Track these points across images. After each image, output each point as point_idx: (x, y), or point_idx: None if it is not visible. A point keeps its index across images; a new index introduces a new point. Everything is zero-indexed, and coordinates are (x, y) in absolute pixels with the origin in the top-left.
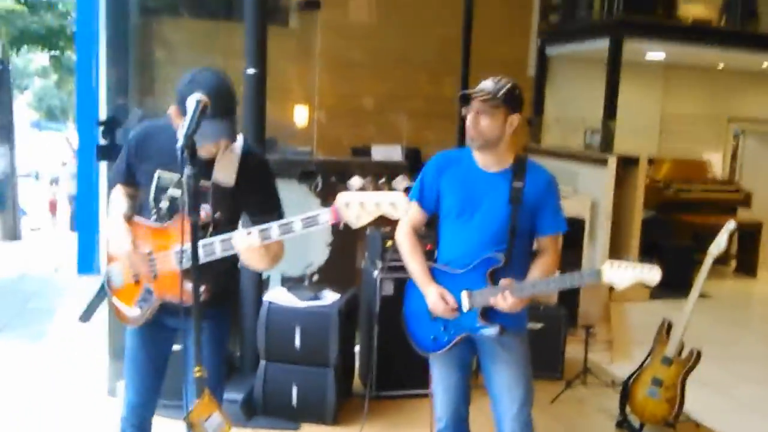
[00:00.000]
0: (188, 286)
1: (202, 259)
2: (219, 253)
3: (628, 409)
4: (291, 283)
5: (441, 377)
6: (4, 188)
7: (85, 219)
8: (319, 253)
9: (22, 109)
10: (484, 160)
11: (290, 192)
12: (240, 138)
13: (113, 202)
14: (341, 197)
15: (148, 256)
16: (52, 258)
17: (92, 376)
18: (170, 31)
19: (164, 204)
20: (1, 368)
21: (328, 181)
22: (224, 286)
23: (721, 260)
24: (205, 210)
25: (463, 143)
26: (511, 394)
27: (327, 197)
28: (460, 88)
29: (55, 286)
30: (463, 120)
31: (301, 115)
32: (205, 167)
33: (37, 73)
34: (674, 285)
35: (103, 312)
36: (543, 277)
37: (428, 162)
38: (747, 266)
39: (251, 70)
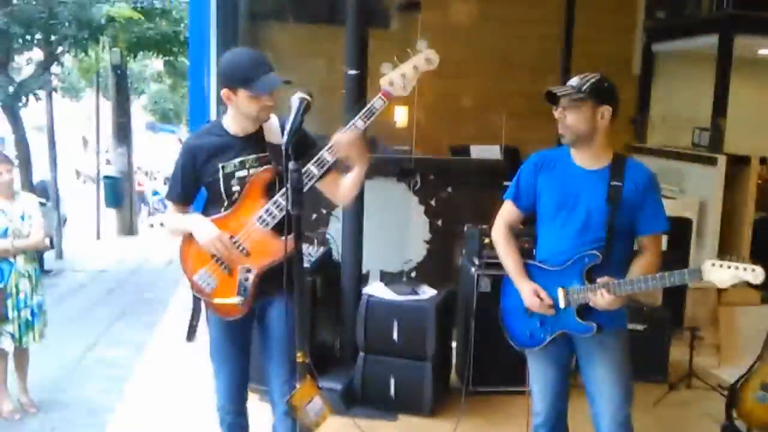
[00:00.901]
0: (281, 238)
1: (306, 185)
2: (317, 172)
3: (734, 414)
4: (389, 278)
5: (538, 373)
6: (122, 186)
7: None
8: (416, 250)
9: (138, 112)
10: (581, 158)
11: (389, 190)
12: (273, 116)
13: (174, 216)
14: (383, 80)
15: (234, 240)
16: (166, 252)
17: (201, 363)
18: (276, 35)
19: (236, 188)
20: (124, 351)
21: (426, 179)
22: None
23: None
24: (270, 167)
25: (561, 144)
26: (608, 393)
27: (425, 196)
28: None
29: (168, 278)
30: None
31: (401, 115)
32: (259, 139)
33: (152, 78)
34: None
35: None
36: (638, 275)
37: (525, 161)
38: None
39: (352, 71)
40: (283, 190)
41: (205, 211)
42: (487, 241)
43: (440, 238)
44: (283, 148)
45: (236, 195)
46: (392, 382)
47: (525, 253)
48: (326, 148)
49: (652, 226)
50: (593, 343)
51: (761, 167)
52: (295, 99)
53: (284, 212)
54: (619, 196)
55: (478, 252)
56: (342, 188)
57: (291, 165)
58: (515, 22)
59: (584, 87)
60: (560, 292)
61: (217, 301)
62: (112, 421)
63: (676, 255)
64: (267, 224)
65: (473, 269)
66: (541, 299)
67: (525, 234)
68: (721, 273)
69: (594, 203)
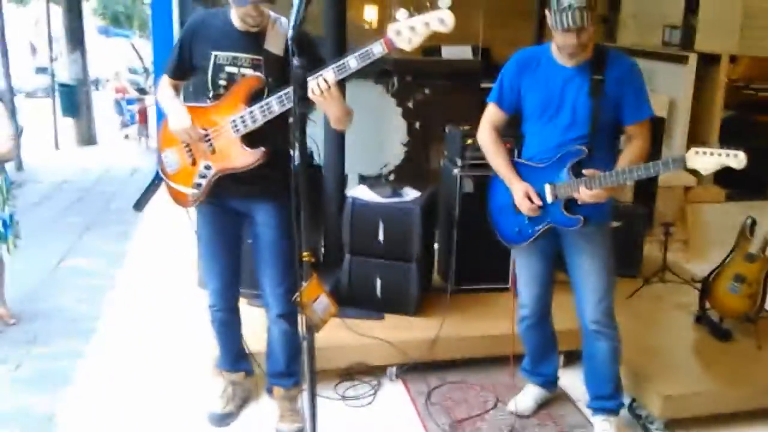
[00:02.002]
0: (248, 150)
1: (261, 119)
2: (277, 109)
3: (707, 304)
4: (371, 181)
5: (525, 267)
6: (77, 94)
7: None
8: (394, 154)
9: (89, 16)
10: (563, 56)
11: (366, 92)
12: (284, 18)
13: (162, 89)
14: (391, 27)
15: (204, 132)
16: (129, 161)
17: (180, 270)
18: None
19: (222, 82)
20: (98, 261)
21: (403, 81)
22: (281, 156)
23: None
24: (259, 76)
25: (540, 42)
26: (592, 283)
27: (402, 98)
28: None
29: (133, 188)
30: (541, 20)
31: (373, 17)
32: (258, 42)
33: None
34: (751, 187)
35: (190, 211)
36: (633, 164)
37: (507, 63)
38: None
39: None
40: (263, 102)
41: (192, 94)
42: (469, 142)
43: (418, 140)
44: (289, 41)
45: (221, 89)
46: (378, 283)
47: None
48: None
49: (636, 114)
50: (579, 235)
51: (730, 66)
52: None
53: (256, 124)
54: (601, 89)
55: (461, 153)
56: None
57: (295, 61)
58: None
59: (593, 2)
60: (547, 188)
61: (172, 184)
62: (97, 330)
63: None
64: (238, 130)
65: (456, 170)
66: (532, 201)
67: (506, 134)
68: (704, 160)
69: (579, 99)
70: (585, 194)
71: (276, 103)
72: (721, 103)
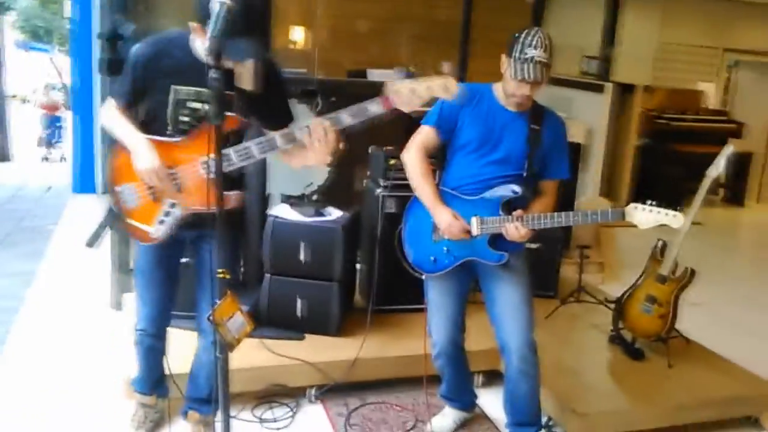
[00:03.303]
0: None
1: (238, 164)
2: (257, 155)
3: (621, 324)
4: (293, 201)
5: (436, 304)
6: None
7: (82, 138)
8: (318, 173)
9: (6, 30)
10: (506, 99)
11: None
12: None
13: (118, 120)
14: (391, 86)
15: (171, 171)
16: (43, 179)
17: (95, 290)
18: None
19: (184, 118)
20: (8, 281)
21: (327, 101)
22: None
23: (711, 190)
24: (235, 117)
25: (465, 68)
26: (515, 316)
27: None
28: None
29: (47, 205)
30: (465, 43)
31: (299, 37)
32: (227, 76)
33: None
34: None
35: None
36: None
37: None
38: (736, 195)
39: None
40: (239, 146)
41: (146, 123)
42: (392, 162)
43: (342, 161)
44: (206, 52)
45: (184, 125)
46: (299, 302)
47: None
48: (301, 126)
49: (557, 171)
50: (498, 266)
51: (644, 96)
52: (215, 2)
53: (231, 168)
54: (539, 138)
55: (384, 173)
56: (295, 161)
57: (212, 73)
58: None
59: (551, 58)
60: (474, 220)
61: (131, 221)
62: (2, 352)
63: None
64: (210, 172)
65: (378, 190)
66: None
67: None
68: (643, 215)
69: (517, 143)
70: (515, 233)
71: (256, 149)
72: (636, 130)
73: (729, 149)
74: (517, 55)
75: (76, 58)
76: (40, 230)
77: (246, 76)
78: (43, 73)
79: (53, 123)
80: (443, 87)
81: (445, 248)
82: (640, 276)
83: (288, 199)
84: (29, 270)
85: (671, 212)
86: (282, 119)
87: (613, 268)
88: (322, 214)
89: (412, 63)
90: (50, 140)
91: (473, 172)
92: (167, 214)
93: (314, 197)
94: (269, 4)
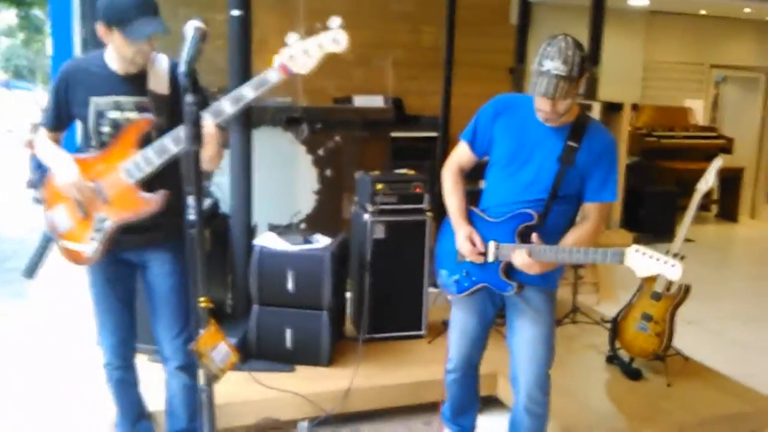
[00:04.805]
0: (147, 195)
1: (157, 161)
2: (173, 148)
3: (617, 344)
4: (280, 230)
5: (458, 321)
6: None
7: None
8: (305, 201)
9: None
10: (539, 117)
11: (276, 139)
12: (163, 56)
13: (44, 145)
14: (284, 51)
15: (95, 184)
16: (28, 219)
17: (78, 329)
18: None
19: (106, 129)
20: None
21: (313, 128)
22: (175, 202)
23: (703, 206)
24: (149, 118)
25: (449, 92)
26: (530, 353)
27: (312, 145)
28: (444, 36)
29: (32, 246)
30: (449, 67)
31: None
32: (140, 83)
33: (3, 32)
34: (657, 230)
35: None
36: (575, 245)
37: (485, 105)
38: (728, 211)
39: (236, 12)
40: (154, 144)
41: (82, 145)
42: (379, 187)
43: (329, 188)
44: (180, 76)
45: (105, 136)
46: (288, 333)
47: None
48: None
49: (599, 194)
50: (520, 299)
51: (632, 114)
52: (189, 27)
53: (152, 167)
54: (573, 157)
55: (371, 198)
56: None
57: (187, 98)
58: None
59: (575, 71)
60: (491, 245)
61: (66, 243)
62: None
63: None
64: (132, 176)
65: (366, 216)
66: (474, 245)
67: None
68: (642, 261)
69: (546, 161)
70: (516, 260)
71: (171, 142)
72: (624, 149)
73: (718, 162)
74: (535, 66)
75: None
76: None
77: (154, 78)
78: (27, 112)
79: (41, 163)
80: (333, 41)
81: (465, 271)
82: (635, 294)
83: (275, 229)
84: (12, 310)
85: (670, 261)
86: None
87: (607, 288)
88: (309, 242)
89: (398, 89)
90: (40, 181)
91: (501, 192)
92: (98, 229)
93: (302, 225)
94: None
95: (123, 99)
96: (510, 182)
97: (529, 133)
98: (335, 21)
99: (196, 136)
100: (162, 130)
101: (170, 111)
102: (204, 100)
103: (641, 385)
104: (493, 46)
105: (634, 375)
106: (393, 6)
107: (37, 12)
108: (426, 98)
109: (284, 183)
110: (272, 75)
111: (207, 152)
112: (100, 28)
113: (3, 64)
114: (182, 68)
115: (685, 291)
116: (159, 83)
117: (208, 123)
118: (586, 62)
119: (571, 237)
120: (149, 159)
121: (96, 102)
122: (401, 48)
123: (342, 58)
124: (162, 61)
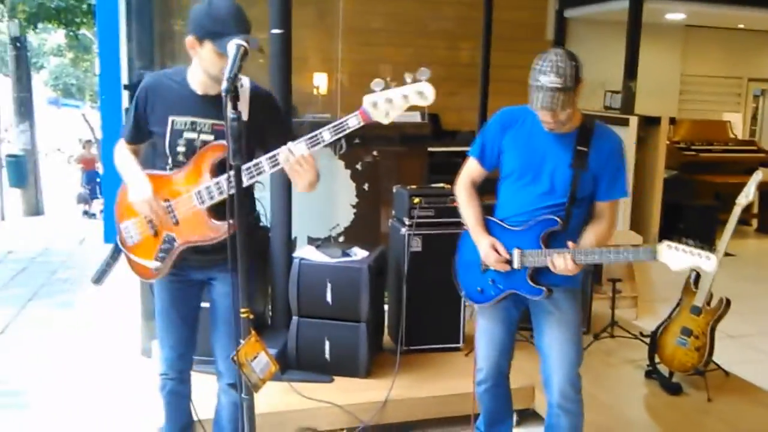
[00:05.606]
0: (215, 223)
1: (227, 192)
2: (267, 170)
3: (657, 359)
4: (319, 242)
5: (484, 329)
6: (25, 165)
7: (112, 187)
8: (343, 215)
9: (39, 87)
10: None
11: (314, 154)
12: (246, 79)
13: (122, 158)
14: (367, 98)
15: (166, 204)
16: (77, 232)
17: (124, 338)
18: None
19: (181, 149)
20: (36, 333)
21: (351, 143)
22: (246, 225)
23: (743, 220)
24: (223, 144)
25: (485, 107)
26: (560, 353)
27: (351, 160)
28: (481, 53)
29: (80, 258)
30: (485, 83)
31: (321, 83)
32: (219, 105)
33: (53, 51)
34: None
35: (132, 276)
36: (596, 244)
37: (491, 118)
38: None
39: (276, 30)
40: (228, 173)
41: (155, 160)
42: (416, 200)
43: (367, 201)
44: (223, 93)
45: (180, 156)
46: (327, 345)
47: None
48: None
49: (611, 192)
50: (547, 302)
51: (670, 128)
52: (232, 46)
53: (223, 196)
54: (584, 161)
55: (408, 212)
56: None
57: (230, 113)
58: None
59: (569, 81)
60: (516, 253)
61: (133, 257)
62: (33, 402)
63: None
64: (203, 202)
65: (403, 229)
66: (499, 253)
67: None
68: (675, 256)
69: (559, 168)
70: (559, 265)
71: (244, 176)
72: (662, 163)
73: (758, 176)
74: (531, 81)
75: (105, 112)
76: (73, 281)
77: (240, 103)
78: (76, 129)
79: (92, 178)
80: (419, 93)
81: (490, 280)
82: (674, 308)
83: (314, 241)
84: (62, 320)
85: (704, 253)
86: (275, 146)
87: (646, 302)
88: (347, 255)
89: (435, 105)
90: (92, 196)
91: (518, 202)
92: (165, 249)
93: (340, 238)
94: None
95: (200, 120)
96: (525, 192)
97: (538, 143)
98: (424, 73)
99: (239, 152)
100: (237, 156)
101: (248, 138)
102: (279, 124)
103: (681, 400)
104: (529, 61)
105: (673, 390)
106: (431, 23)
107: (85, 32)
108: (463, 114)
109: (323, 197)
110: (352, 121)
111: (304, 179)
112: (190, 41)
113: (52, 82)
114: (224, 85)
115: (726, 305)
116: (241, 107)
117: (302, 149)
118: (581, 71)
119: (589, 236)
120: (221, 188)
121: (173, 120)
122: (439, 64)
123: (379, 74)
124: (244, 85)
